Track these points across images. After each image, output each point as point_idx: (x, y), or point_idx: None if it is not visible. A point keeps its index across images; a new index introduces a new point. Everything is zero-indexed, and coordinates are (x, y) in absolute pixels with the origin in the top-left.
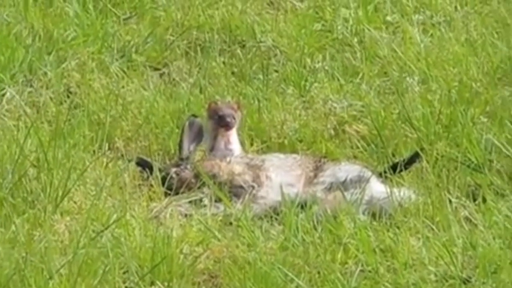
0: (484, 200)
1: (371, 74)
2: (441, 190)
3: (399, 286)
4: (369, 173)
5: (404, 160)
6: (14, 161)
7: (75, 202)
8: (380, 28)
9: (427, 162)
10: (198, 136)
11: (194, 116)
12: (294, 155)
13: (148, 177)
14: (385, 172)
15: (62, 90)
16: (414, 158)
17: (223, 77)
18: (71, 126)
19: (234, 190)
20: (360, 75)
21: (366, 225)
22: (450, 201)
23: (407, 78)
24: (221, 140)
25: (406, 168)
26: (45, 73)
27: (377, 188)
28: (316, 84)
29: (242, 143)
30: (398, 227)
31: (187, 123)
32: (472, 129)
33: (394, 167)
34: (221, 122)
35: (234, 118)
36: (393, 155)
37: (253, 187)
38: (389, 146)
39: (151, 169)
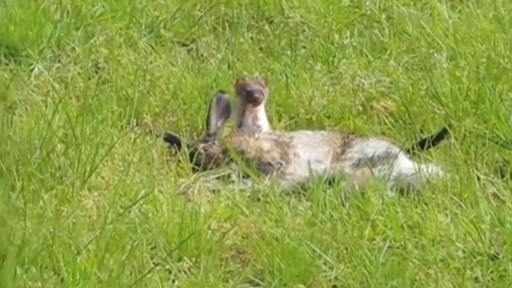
0: None
1: (399, 50)
2: (469, 167)
3: (426, 263)
4: (397, 149)
5: (432, 137)
6: (42, 137)
7: (103, 178)
8: (408, 4)
9: (455, 138)
10: (225, 112)
11: (222, 92)
12: (322, 132)
13: (176, 152)
14: (413, 148)
15: (90, 65)
16: (442, 134)
17: (251, 53)
18: (99, 102)
19: (262, 167)
20: (388, 51)
21: (394, 202)
22: (478, 177)
23: (435, 55)
24: (248, 116)
25: (434, 145)
26: (73, 49)
27: (405, 164)
28: (344, 60)
29: (270, 119)
30: (426, 204)
31: (214, 99)
32: (500, 105)
33: (422, 144)
34: (249, 98)
35: (262, 94)
36: (421, 131)
37: (281, 164)
38: (417, 123)
39: (179, 144)
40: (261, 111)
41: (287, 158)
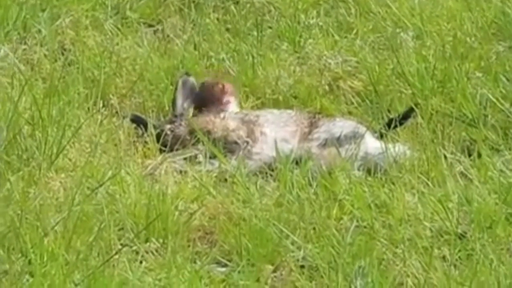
0: (479, 155)
1: (365, 30)
2: (436, 146)
3: (394, 242)
4: (364, 129)
5: (399, 116)
6: (9, 119)
7: (69, 159)
8: None
9: (422, 117)
10: (191, 93)
11: (187, 74)
12: (289, 111)
13: (142, 134)
14: (380, 128)
15: (56, 47)
16: (408, 113)
17: (217, 34)
18: (65, 84)
19: (229, 146)
20: (355, 31)
21: (361, 181)
22: (445, 156)
23: (401, 34)
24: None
25: (401, 124)
26: (39, 31)
27: (372, 144)
28: (310, 40)
29: (238, 100)
30: (393, 183)
31: (180, 81)
32: (467, 84)
33: (389, 123)
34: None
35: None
36: (388, 111)
37: (247, 142)
38: (383, 102)
39: (145, 126)
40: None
41: (254, 137)
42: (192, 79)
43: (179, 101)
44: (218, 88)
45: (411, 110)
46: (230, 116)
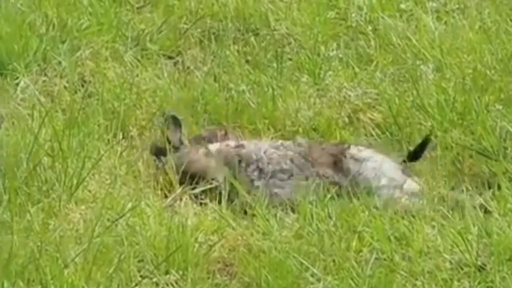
0: (499, 188)
1: (385, 62)
2: (456, 178)
3: (414, 274)
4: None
5: (416, 148)
6: (29, 150)
7: (89, 191)
8: (394, 16)
9: (442, 149)
10: (179, 126)
11: (168, 111)
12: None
13: (163, 165)
14: (404, 161)
15: (76, 79)
16: (425, 142)
17: (237, 65)
18: (85, 115)
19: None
20: (374, 63)
21: (380, 213)
22: (465, 188)
23: (421, 66)
24: None
25: (420, 156)
26: (59, 62)
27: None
28: (330, 72)
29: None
30: (413, 215)
31: (166, 120)
32: (487, 116)
33: (409, 156)
34: None
35: None
36: (408, 143)
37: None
38: (403, 134)
39: (165, 155)
40: None
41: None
42: (174, 113)
43: (174, 136)
44: (220, 133)
45: (427, 139)
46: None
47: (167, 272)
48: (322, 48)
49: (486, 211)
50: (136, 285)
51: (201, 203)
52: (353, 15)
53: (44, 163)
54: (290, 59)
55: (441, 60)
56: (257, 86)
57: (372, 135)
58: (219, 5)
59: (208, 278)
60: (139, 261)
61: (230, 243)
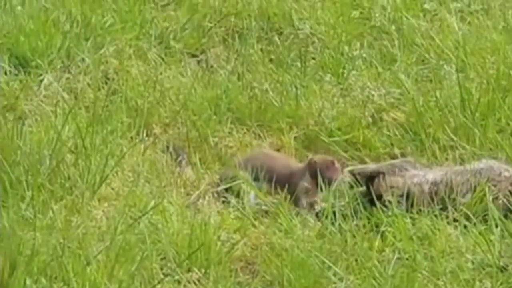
0: None
1: (409, 62)
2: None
3: (436, 274)
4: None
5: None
6: (52, 147)
7: (112, 189)
8: (417, 16)
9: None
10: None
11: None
12: None
13: (186, 163)
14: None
15: (100, 76)
16: None
17: (260, 64)
18: (109, 112)
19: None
20: (398, 62)
21: (403, 213)
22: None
23: (445, 66)
24: None
25: None
26: (83, 59)
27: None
28: (354, 72)
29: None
30: (435, 215)
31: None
32: (510, 117)
33: None
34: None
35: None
36: (432, 143)
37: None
38: (426, 134)
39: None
40: None
41: None
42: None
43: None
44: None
45: None
46: None
47: (189, 270)
48: (346, 47)
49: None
50: (159, 283)
51: (223, 202)
52: (377, 14)
53: (67, 160)
54: (314, 59)
55: (464, 61)
56: (280, 85)
57: (395, 135)
58: (243, 3)
59: (230, 276)
60: (161, 259)
61: (252, 241)
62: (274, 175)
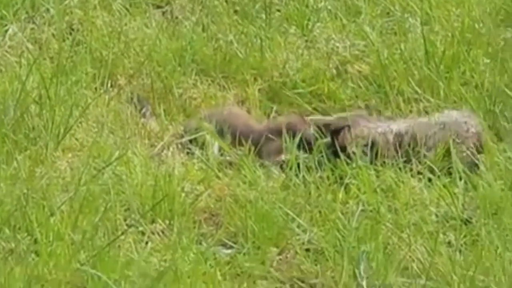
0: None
1: (374, 14)
2: None
3: (400, 226)
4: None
5: None
6: (16, 98)
7: (76, 139)
8: None
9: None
10: None
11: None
12: None
13: (150, 114)
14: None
15: (64, 27)
16: None
17: (225, 16)
18: (73, 63)
19: None
20: (363, 15)
21: (367, 166)
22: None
23: (410, 19)
24: None
25: None
26: (48, 10)
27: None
28: (318, 24)
29: None
30: (399, 168)
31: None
32: (475, 70)
33: None
34: None
35: None
36: (396, 95)
37: None
38: (391, 86)
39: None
40: None
41: None
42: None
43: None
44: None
45: None
46: None
47: (153, 221)
48: None
49: (473, 165)
50: (122, 233)
51: (187, 153)
52: None
53: (31, 110)
54: (279, 10)
55: (429, 13)
56: (245, 37)
57: (360, 87)
58: None
59: (194, 227)
60: (125, 210)
61: (216, 193)
62: (236, 134)
